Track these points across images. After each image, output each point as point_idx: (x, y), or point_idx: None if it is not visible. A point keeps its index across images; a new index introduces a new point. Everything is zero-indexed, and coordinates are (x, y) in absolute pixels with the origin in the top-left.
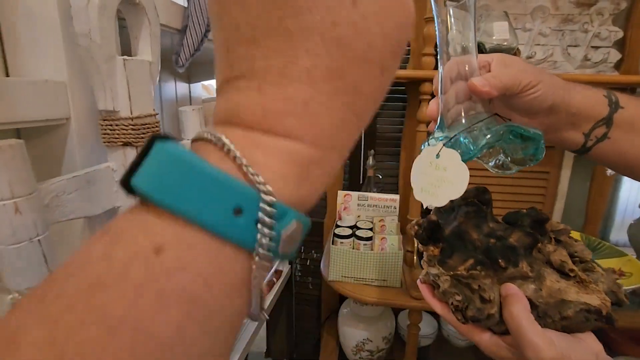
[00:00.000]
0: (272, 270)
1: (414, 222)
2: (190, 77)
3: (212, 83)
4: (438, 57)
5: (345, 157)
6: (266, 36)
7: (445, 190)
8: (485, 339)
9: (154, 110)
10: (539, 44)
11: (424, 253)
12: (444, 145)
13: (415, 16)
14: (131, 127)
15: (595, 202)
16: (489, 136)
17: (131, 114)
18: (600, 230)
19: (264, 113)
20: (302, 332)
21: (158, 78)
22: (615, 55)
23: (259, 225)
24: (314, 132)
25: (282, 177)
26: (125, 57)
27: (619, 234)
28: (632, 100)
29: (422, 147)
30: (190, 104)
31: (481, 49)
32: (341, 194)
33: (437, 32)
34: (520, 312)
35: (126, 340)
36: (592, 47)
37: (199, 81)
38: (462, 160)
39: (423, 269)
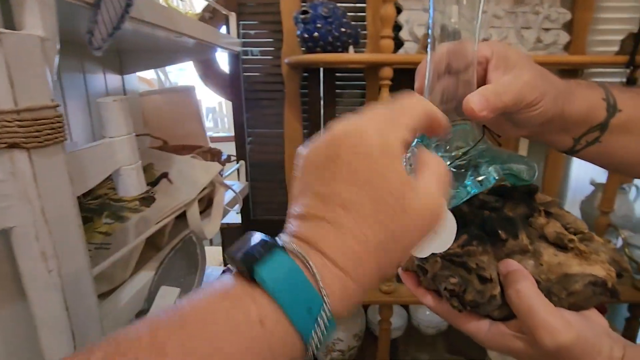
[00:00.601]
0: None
1: None
2: (122, 67)
3: (151, 75)
4: (429, 47)
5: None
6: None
7: (428, 241)
8: (485, 329)
9: (52, 100)
10: (494, 27)
11: None
12: None
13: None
14: (17, 123)
15: (550, 182)
16: (486, 184)
17: (16, 105)
18: None
19: (336, 251)
20: None
21: (57, 61)
22: (564, 37)
23: (316, 324)
24: (359, 273)
25: (335, 294)
26: (2, 30)
27: (572, 210)
28: (629, 100)
29: None
30: None
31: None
32: None
33: (430, 10)
34: (528, 290)
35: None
36: (544, 29)
37: (134, 72)
38: (450, 207)
39: None
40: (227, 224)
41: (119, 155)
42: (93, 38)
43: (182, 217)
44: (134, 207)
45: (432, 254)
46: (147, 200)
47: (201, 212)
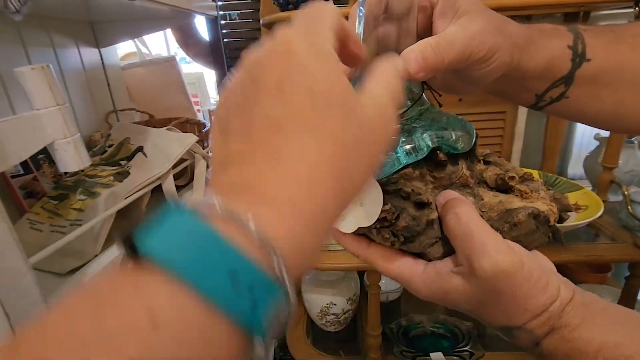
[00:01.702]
0: None
1: None
2: (98, 40)
3: (130, 47)
4: None
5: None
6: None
7: (352, 213)
8: (420, 271)
9: None
10: None
11: None
12: None
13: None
14: None
15: (552, 138)
16: (419, 153)
17: None
18: (558, 165)
19: (273, 183)
20: None
21: None
22: None
23: (251, 294)
24: (313, 204)
25: (281, 242)
26: None
27: (575, 167)
28: (605, 46)
29: None
30: (105, 73)
31: None
32: None
33: None
34: (468, 214)
35: None
36: None
37: (111, 44)
38: (377, 177)
39: None
40: None
41: (48, 129)
42: (9, 1)
43: (161, 191)
44: (107, 182)
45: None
46: (121, 175)
47: (185, 185)
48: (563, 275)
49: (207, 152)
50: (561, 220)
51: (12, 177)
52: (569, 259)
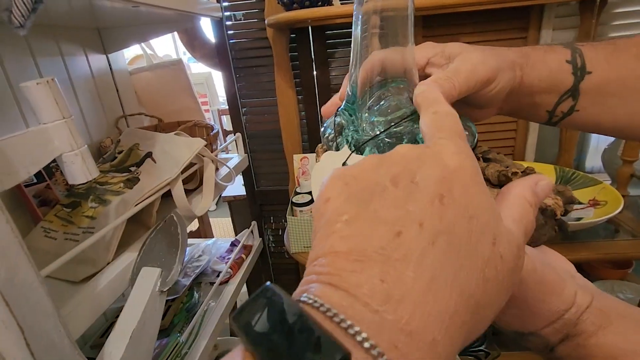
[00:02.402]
0: (240, 246)
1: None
2: (105, 46)
3: (137, 50)
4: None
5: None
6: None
7: None
8: None
9: None
10: None
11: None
12: (352, 152)
13: None
14: None
15: (569, 130)
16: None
17: None
18: (575, 158)
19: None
20: None
21: None
22: None
23: None
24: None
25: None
26: None
27: (593, 160)
28: (601, 61)
29: (322, 137)
30: (113, 79)
31: None
32: (297, 157)
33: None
34: None
35: None
36: None
37: (118, 49)
38: None
39: None
40: (234, 196)
41: (56, 142)
42: (12, 15)
43: (170, 195)
44: (117, 189)
45: None
46: (131, 181)
47: (194, 189)
48: (582, 272)
49: (217, 156)
50: (566, 212)
51: (26, 186)
52: (589, 257)
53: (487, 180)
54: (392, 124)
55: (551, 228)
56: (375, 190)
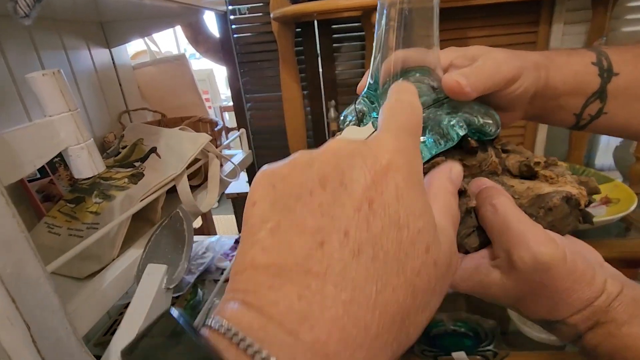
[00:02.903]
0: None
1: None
2: (108, 40)
3: (139, 43)
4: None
5: None
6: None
7: None
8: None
9: None
10: None
11: None
12: (375, 130)
13: None
14: None
15: None
16: (449, 142)
17: None
18: (585, 155)
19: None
20: None
21: None
22: None
23: None
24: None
25: None
26: None
27: (604, 157)
28: (627, 63)
29: (342, 125)
30: (116, 73)
31: None
32: None
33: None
34: (505, 205)
35: None
36: None
37: (122, 43)
38: None
39: None
40: (237, 193)
41: (62, 135)
42: (18, 5)
43: (175, 191)
44: (122, 185)
45: None
46: (135, 177)
47: (199, 185)
48: None
49: (221, 152)
50: (589, 203)
51: (29, 181)
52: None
53: (507, 170)
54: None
55: (575, 218)
56: (302, 193)
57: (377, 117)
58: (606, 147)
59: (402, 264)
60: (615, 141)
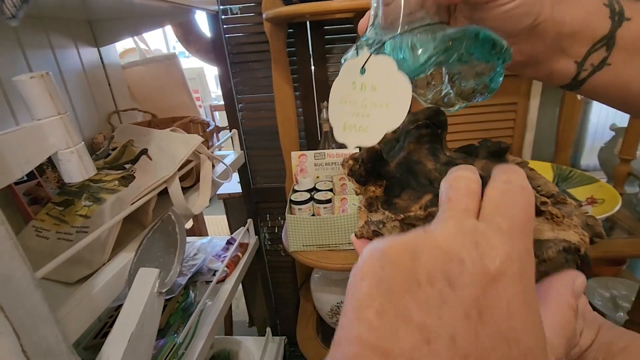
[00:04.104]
0: (236, 244)
1: (348, 155)
2: (97, 39)
3: (128, 43)
4: None
5: None
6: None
7: (377, 118)
8: None
9: None
10: None
11: (361, 197)
12: (372, 52)
13: None
14: None
15: (565, 129)
16: (441, 40)
17: None
18: (571, 156)
19: None
20: (281, 298)
21: None
22: None
23: None
24: None
25: None
26: None
27: (589, 158)
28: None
29: (342, 61)
30: (105, 73)
31: None
32: (295, 155)
33: None
34: None
35: None
36: None
37: (111, 42)
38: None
39: (360, 219)
40: (229, 194)
41: (51, 139)
42: (4, 5)
43: (167, 193)
44: (112, 187)
45: (389, 215)
46: (126, 179)
47: (191, 187)
48: (577, 269)
49: (213, 152)
50: (592, 243)
51: (16, 184)
52: None
53: None
54: (415, 26)
55: (572, 264)
56: (410, 285)
57: (377, 49)
58: (591, 148)
59: None
60: (600, 142)
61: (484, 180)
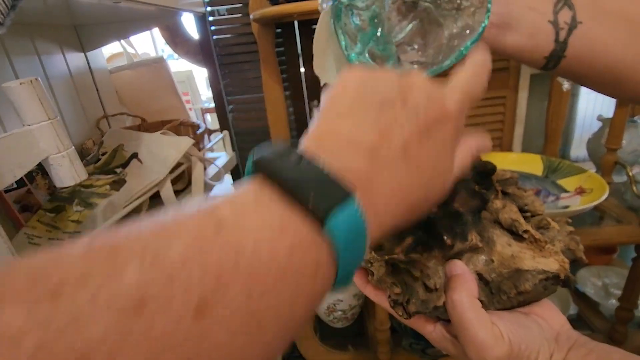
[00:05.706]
0: None
1: None
2: (83, 43)
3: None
4: None
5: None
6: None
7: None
8: (431, 329)
9: None
10: None
11: None
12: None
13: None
14: None
15: (554, 120)
16: None
17: None
18: (560, 148)
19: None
20: None
21: None
22: None
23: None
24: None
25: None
26: None
27: (579, 149)
28: None
29: (323, 5)
30: (93, 78)
31: None
32: None
33: None
34: (462, 302)
35: None
36: None
37: (97, 47)
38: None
39: None
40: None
41: (42, 144)
42: None
43: (159, 196)
44: (104, 192)
45: (374, 256)
46: (117, 183)
47: (183, 189)
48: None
49: (204, 155)
50: (574, 262)
51: (6, 191)
52: None
53: (498, 222)
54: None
55: (552, 288)
56: (385, 100)
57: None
58: (580, 139)
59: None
60: (588, 133)
61: (462, 218)
